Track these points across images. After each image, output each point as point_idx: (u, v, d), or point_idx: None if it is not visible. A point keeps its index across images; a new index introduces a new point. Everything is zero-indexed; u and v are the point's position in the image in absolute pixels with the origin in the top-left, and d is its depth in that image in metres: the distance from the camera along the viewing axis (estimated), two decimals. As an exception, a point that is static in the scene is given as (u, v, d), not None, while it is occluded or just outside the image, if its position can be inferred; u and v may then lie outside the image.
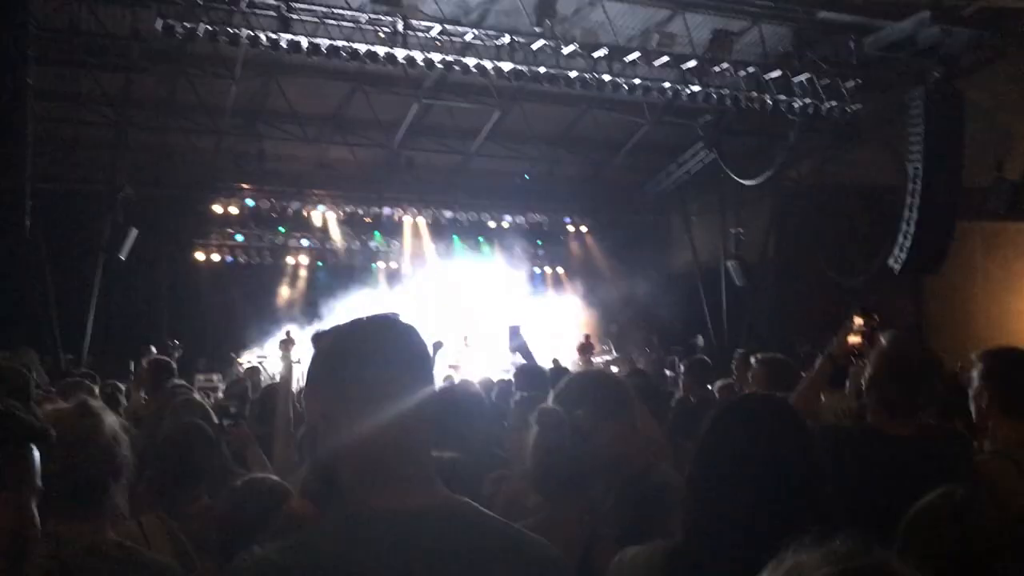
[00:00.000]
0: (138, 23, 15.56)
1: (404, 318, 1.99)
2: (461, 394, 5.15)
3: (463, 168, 23.77)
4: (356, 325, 1.97)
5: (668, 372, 19.44)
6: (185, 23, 14.66)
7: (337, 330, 1.99)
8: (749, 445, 2.23)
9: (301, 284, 23.99)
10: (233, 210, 22.73)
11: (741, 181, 22.08)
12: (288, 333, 8.15)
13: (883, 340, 3.86)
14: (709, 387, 8.04)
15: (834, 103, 18.43)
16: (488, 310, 24.26)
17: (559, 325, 24.52)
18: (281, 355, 7.48)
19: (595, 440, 3.07)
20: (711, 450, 2.34)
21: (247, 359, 19.80)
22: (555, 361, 7.77)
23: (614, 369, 17.56)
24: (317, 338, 2.02)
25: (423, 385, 1.95)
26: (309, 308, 22.91)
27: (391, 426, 1.87)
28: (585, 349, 23.07)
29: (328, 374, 1.90)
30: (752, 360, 6.24)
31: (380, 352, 1.89)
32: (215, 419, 5.52)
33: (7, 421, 1.82)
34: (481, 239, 26.08)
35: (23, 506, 1.84)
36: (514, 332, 8.06)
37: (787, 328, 20.17)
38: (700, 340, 22.84)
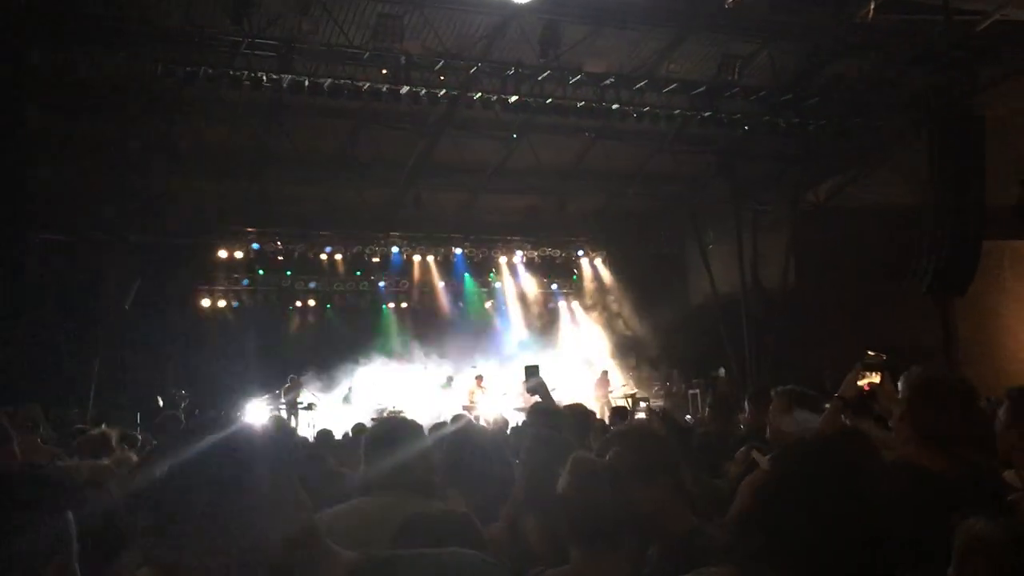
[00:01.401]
0: (139, 68, 15.72)
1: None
2: (473, 436, 5.10)
3: (472, 204, 23.86)
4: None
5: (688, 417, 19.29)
6: (186, 67, 14.86)
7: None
8: (826, 483, 2.25)
9: (310, 328, 24.03)
10: (238, 254, 22.89)
11: (757, 207, 22.06)
12: (292, 379, 8.12)
13: (913, 372, 3.81)
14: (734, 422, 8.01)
15: (850, 124, 18.46)
16: (503, 348, 24.26)
17: (575, 361, 24.47)
18: (284, 401, 7.46)
19: (635, 503, 3.03)
20: (788, 486, 2.33)
21: (255, 408, 19.82)
22: (575, 405, 7.69)
23: (640, 408, 17.48)
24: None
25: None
26: (319, 352, 22.93)
27: None
28: (604, 384, 23.03)
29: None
30: (772, 393, 6.19)
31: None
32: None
33: (46, 486, 1.81)
34: (492, 275, 26.15)
35: (71, 571, 1.85)
36: (531, 372, 7.98)
37: (811, 359, 20.02)
38: (722, 372, 22.69)
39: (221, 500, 1.65)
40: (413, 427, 3.89)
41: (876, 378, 4.46)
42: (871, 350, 4.59)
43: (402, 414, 15.32)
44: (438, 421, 7.91)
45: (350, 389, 21.48)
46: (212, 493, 1.65)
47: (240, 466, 1.71)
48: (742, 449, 4.32)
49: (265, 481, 1.72)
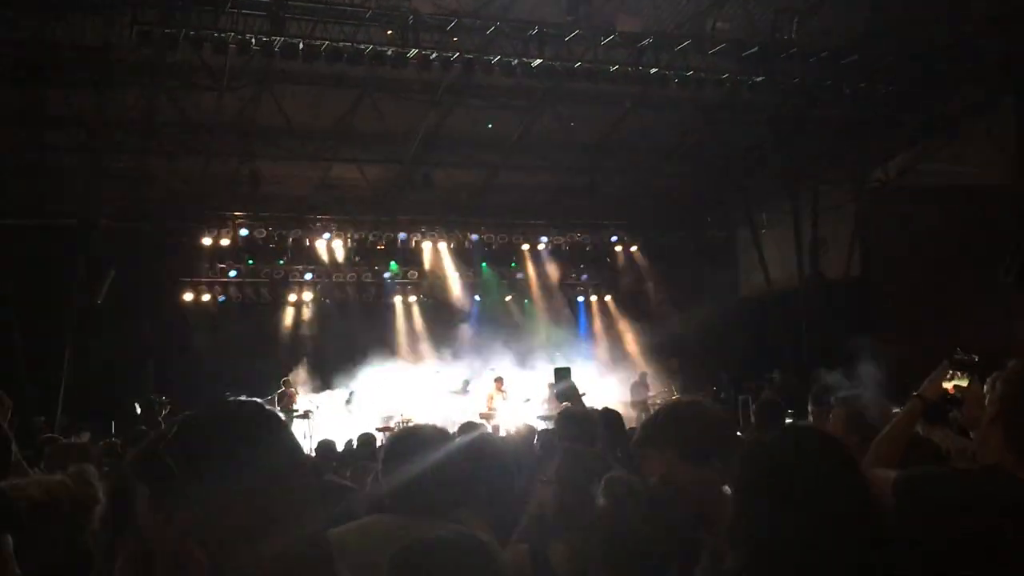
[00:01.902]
0: (111, 33, 15.83)
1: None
2: (492, 449, 5.13)
3: (490, 183, 23.89)
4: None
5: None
6: (165, 28, 14.93)
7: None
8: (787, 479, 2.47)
9: (306, 325, 24.17)
10: (224, 242, 23.05)
11: (818, 186, 21.92)
12: (285, 383, 8.20)
13: (1013, 369, 3.79)
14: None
15: (925, 90, 18.33)
16: (526, 348, 24.30)
17: (609, 363, 24.48)
18: (279, 409, 7.55)
19: (673, 485, 3.09)
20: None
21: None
22: (607, 410, 7.72)
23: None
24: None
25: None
26: (316, 353, 23.07)
27: None
28: (642, 389, 23.00)
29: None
30: (832, 399, 6.21)
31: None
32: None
33: None
34: (514, 265, 26.19)
35: None
36: (561, 375, 8.05)
37: (879, 360, 19.89)
38: (778, 376, 22.62)
39: (241, 452, 1.69)
40: (441, 436, 3.93)
41: (964, 381, 4.45)
42: (960, 349, 4.56)
43: (411, 423, 15.37)
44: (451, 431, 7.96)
45: (351, 394, 21.64)
46: (234, 442, 1.71)
47: (270, 423, 1.79)
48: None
49: (287, 455, 1.78)
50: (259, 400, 1.85)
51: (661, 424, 3.35)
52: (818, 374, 19.18)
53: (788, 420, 8.64)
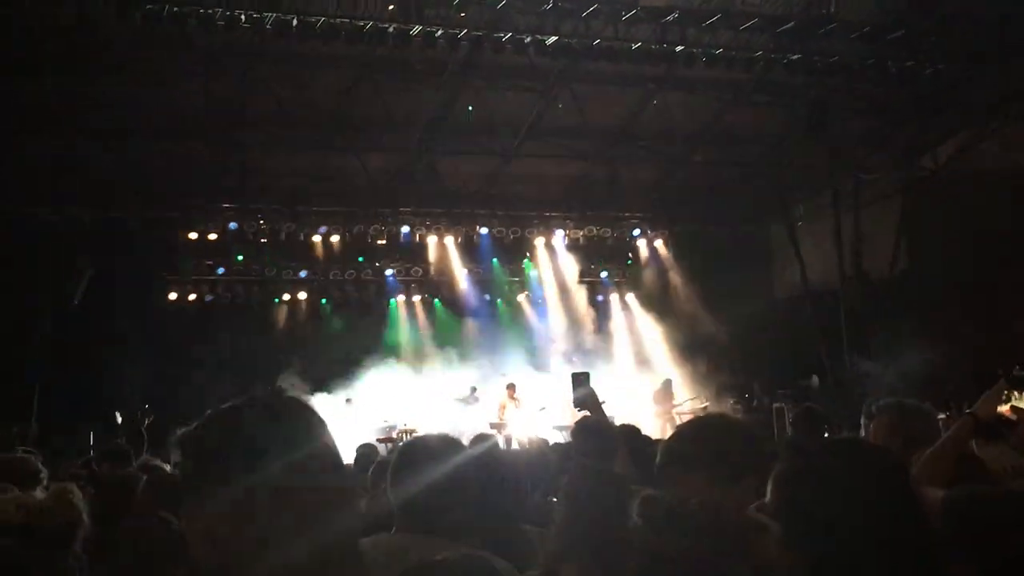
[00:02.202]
0: (86, 9, 15.85)
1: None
2: (504, 462, 5.11)
3: (500, 172, 23.86)
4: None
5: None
6: (146, 4, 14.95)
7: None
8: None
9: (300, 326, 24.19)
10: (212, 237, 23.08)
11: (860, 175, 21.85)
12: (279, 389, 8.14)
13: None
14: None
15: (978, 68, 18.22)
16: (541, 351, 24.27)
17: (631, 368, 24.43)
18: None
19: (706, 512, 3.07)
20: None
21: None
22: (625, 426, 7.70)
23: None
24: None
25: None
26: (311, 357, 23.06)
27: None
28: (666, 397, 22.93)
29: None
30: (873, 408, 6.16)
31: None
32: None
33: None
34: (527, 261, 26.18)
35: None
36: (579, 381, 7.99)
37: (927, 365, 19.81)
38: (815, 382, 22.54)
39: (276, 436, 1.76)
40: (450, 447, 3.90)
41: (1023, 402, 4.45)
42: (1021, 365, 4.57)
43: (415, 433, 15.36)
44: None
45: (348, 401, 21.68)
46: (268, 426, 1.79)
47: (309, 418, 1.86)
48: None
49: (323, 455, 1.83)
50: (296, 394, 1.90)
51: (689, 442, 3.33)
52: (859, 379, 19.13)
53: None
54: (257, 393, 1.92)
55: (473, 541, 3.67)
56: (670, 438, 3.46)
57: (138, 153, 20.52)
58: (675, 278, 26.36)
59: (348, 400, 21.56)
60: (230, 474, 1.72)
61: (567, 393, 7.75)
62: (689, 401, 22.63)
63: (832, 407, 20.70)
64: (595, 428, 6.93)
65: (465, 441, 7.81)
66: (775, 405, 22.06)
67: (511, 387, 21.33)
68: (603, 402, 8.03)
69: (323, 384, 21.77)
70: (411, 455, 3.84)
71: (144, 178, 21.17)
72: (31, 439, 16.77)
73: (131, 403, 19.50)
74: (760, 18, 17.64)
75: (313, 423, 1.86)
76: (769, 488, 2.65)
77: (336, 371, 22.04)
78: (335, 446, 1.88)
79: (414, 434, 15.02)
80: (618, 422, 8.46)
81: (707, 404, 22.09)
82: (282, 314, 24.28)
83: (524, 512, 4.45)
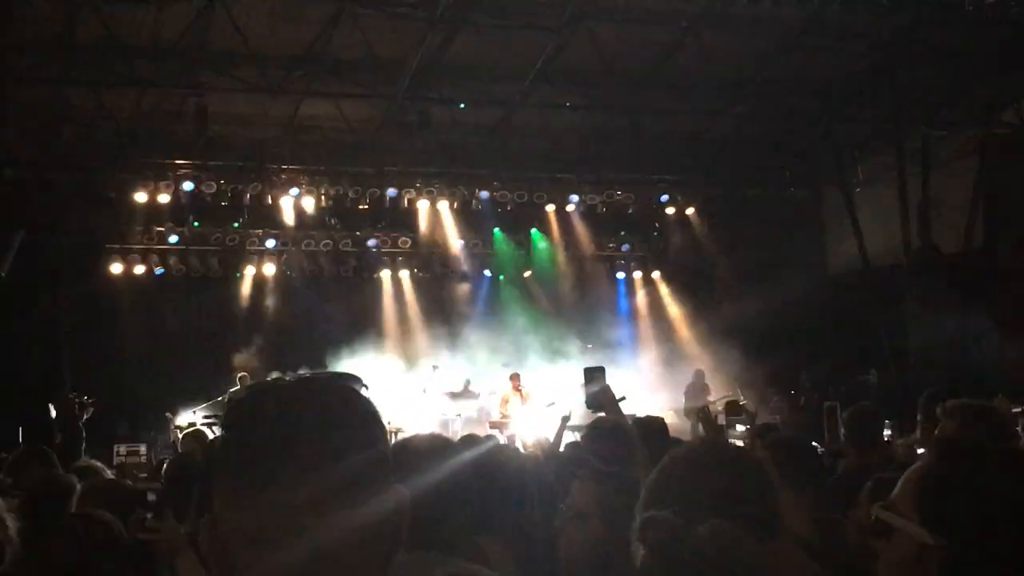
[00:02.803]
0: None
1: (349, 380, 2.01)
2: (506, 467, 5.17)
3: (504, 126, 23.86)
4: (287, 392, 1.95)
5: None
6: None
7: (265, 398, 1.98)
8: None
9: (268, 306, 24.24)
10: (164, 198, 23.10)
11: (930, 131, 21.82)
12: (242, 379, 8.28)
13: None
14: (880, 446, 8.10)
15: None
16: (550, 336, 24.31)
17: (656, 357, 24.49)
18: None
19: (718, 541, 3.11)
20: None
21: (188, 420, 20.07)
22: (648, 420, 7.76)
23: (739, 431, 17.53)
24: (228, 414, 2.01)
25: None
26: (278, 341, 23.14)
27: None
28: (699, 391, 22.95)
29: (256, 469, 1.88)
30: (938, 409, 6.24)
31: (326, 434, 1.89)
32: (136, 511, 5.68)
33: None
34: (535, 231, 26.23)
35: None
36: (593, 376, 8.08)
37: (1008, 355, 19.86)
38: (873, 376, 22.58)
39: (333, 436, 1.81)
40: (443, 447, 3.99)
41: None
42: None
43: (402, 433, 15.43)
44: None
45: (435, 368, 21.80)
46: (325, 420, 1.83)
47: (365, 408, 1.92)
48: (868, 485, 4.36)
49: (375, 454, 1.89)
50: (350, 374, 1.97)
51: (670, 478, 3.28)
52: (924, 373, 19.27)
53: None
54: (310, 375, 1.96)
55: (470, 555, 3.77)
56: (652, 477, 3.42)
57: (73, 99, 20.51)
58: (710, 251, 26.37)
59: (435, 367, 21.66)
60: (279, 475, 1.77)
61: (580, 388, 7.83)
62: (726, 397, 22.68)
63: (893, 405, 20.87)
64: (610, 430, 7.03)
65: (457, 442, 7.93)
66: (826, 404, 22.09)
67: (515, 378, 21.38)
68: (621, 399, 8.13)
69: (288, 369, 21.84)
70: (398, 460, 3.93)
71: (81, 129, 21.16)
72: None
73: (67, 392, 19.57)
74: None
75: (378, 418, 1.94)
76: (909, 491, 2.66)
77: (308, 357, 22.09)
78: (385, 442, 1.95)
79: (401, 434, 15.08)
80: (637, 419, 8.53)
81: (743, 400, 22.15)
82: (245, 290, 24.31)
83: (532, 523, 4.53)
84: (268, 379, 2.03)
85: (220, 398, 20.66)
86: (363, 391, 1.95)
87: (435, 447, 3.96)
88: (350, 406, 1.90)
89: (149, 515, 6.12)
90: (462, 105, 21.57)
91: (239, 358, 22.26)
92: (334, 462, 1.79)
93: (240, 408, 1.87)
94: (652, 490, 3.22)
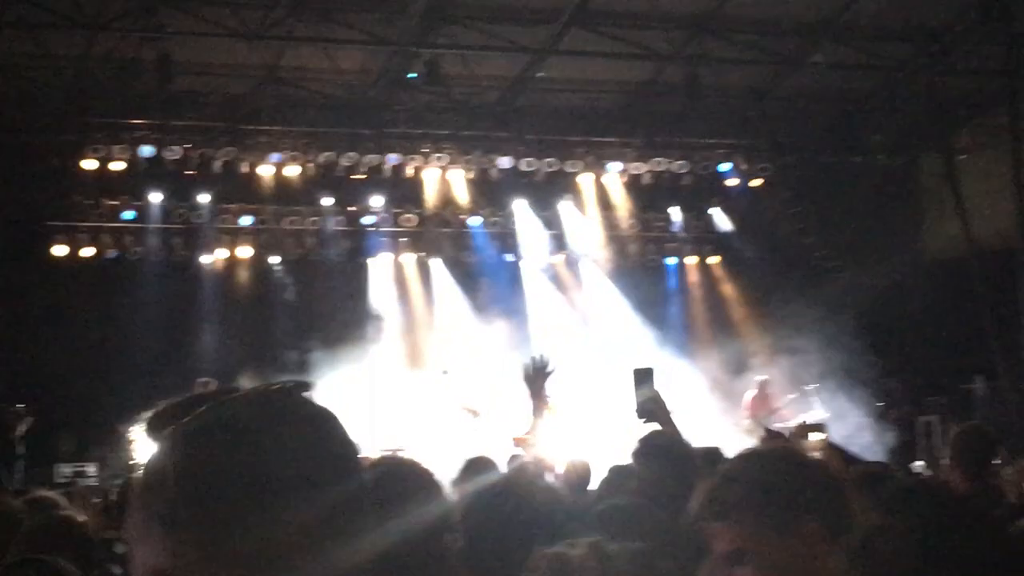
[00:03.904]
0: None
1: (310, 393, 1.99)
2: (532, 498, 5.10)
3: (528, 80, 23.80)
4: (251, 405, 1.92)
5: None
6: None
7: (222, 413, 1.94)
8: None
9: (243, 297, 24.23)
10: (117, 166, 23.06)
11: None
12: (205, 384, 8.21)
13: None
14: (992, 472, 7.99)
15: None
16: (582, 336, 24.25)
17: (714, 359, 24.40)
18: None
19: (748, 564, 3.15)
20: None
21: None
22: (711, 451, 7.73)
23: (813, 441, 17.38)
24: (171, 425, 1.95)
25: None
26: (254, 338, 23.12)
27: None
28: (763, 402, 22.83)
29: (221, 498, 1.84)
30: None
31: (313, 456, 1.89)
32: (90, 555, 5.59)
33: None
34: (567, 206, 26.12)
35: None
36: (642, 379, 8.04)
37: None
38: (979, 385, 22.47)
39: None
40: (423, 479, 3.95)
41: None
42: None
43: (401, 452, 15.37)
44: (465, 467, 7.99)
45: (444, 373, 21.83)
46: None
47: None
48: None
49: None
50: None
51: (727, 483, 3.43)
52: None
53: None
54: (260, 390, 1.96)
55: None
56: (708, 483, 3.53)
57: (7, 44, 20.51)
58: (780, 233, 26.28)
59: (445, 372, 21.68)
60: (248, 513, 1.76)
61: (624, 396, 7.78)
62: (796, 407, 22.58)
63: (1003, 421, 20.72)
64: (668, 449, 6.94)
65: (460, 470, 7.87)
66: (922, 419, 22.02)
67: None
68: (674, 411, 8.05)
69: (269, 376, 21.82)
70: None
71: (17, 81, 21.17)
72: None
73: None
74: None
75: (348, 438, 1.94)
76: None
77: (289, 358, 22.12)
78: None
79: (401, 455, 15.01)
80: (694, 440, 8.47)
81: (827, 415, 22.04)
82: (215, 277, 24.31)
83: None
84: (211, 395, 1.97)
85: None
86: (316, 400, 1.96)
87: (419, 481, 3.92)
88: (326, 427, 1.91)
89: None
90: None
91: (207, 360, 22.21)
92: (317, 495, 1.81)
93: (196, 438, 1.83)
94: (705, 495, 3.47)
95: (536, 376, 7.82)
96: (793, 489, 3.35)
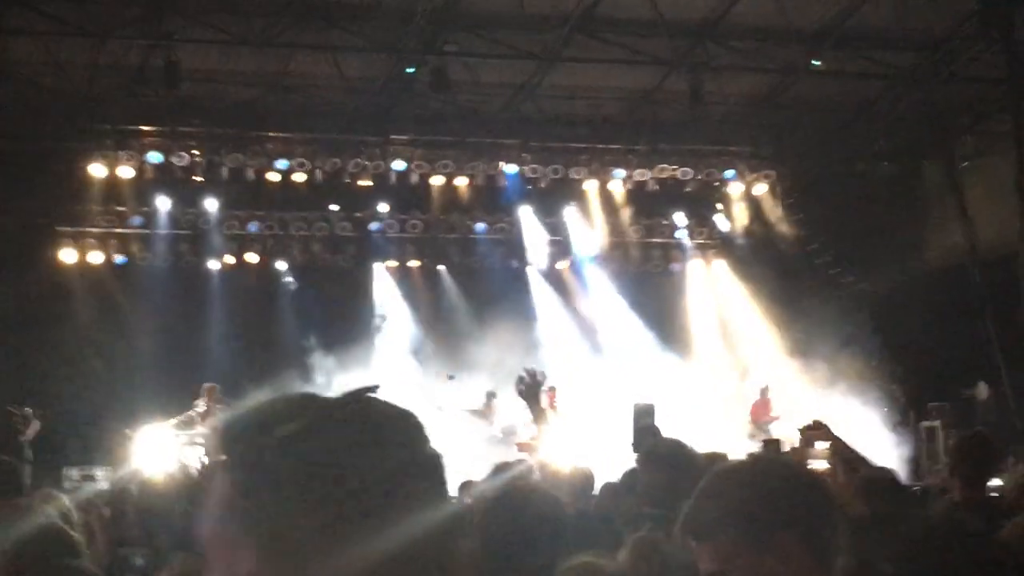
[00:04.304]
0: None
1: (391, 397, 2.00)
2: (535, 503, 5.12)
3: (534, 86, 23.82)
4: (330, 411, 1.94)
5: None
6: None
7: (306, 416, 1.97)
8: None
9: (247, 300, 24.22)
10: (125, 172, 23.12)
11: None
12: (209, 391, 8.20)
13: None
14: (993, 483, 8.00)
15: None
16: (581, 341, 24.25)
17: (716, 367, 24.40)
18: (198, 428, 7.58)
19: None
20: None
21: (153, 437, 20.05)
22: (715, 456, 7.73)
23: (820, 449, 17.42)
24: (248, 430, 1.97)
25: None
26: (260, 343, 23.14)
27: None
28: (766, 409, 22.79)
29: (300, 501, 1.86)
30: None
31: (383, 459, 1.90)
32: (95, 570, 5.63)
33: None
34: (572, 212, 26.17)
35: None
36: (643, 415, 8.12)
37: None
38: (982, 390, 22.45)
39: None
40: None
41: None
42: None
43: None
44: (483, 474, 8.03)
45: (450, 378, 21.82)
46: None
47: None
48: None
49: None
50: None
51: (704, 499, 3.36)
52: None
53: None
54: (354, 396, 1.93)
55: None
56: (694, 499, 3.50)
57: (16, 52, 20.53)
58: (783, 238, 26.28)
59: (451, 377, 21.67)
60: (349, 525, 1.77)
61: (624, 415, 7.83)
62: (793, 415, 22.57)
63: (1005, 427, 20.72)
64: (672, 457, 6.96)
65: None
66: (924, 425, 22.00)
67: (551, 391, 21.32)
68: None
69: (274, 381, 21.83)
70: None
71: (26, 88, 21.22)
72: None
73: (7, 404, 19.63)
74: None
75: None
76: None
77: (296, 362, 22.13)
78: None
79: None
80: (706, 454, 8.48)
81: (821, 422, 22.00)
82: (222, 282, 24.31)
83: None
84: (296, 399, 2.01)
85: (191, 412, 20.65)
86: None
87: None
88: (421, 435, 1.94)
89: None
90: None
91: (214, 364, 22.22)
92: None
93: (301, 445, 1.83)
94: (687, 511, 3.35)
95: (530, 390, 7.86)
96: (769, 505, 3.27)
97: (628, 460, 11.41)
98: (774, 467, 3.58)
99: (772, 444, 10.82)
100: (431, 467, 1.89)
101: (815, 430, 18.83)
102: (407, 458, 1.86)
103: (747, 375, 24.01)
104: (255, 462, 1.79)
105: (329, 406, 1.89)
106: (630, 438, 7.51)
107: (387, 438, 1.88)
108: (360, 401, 1.91)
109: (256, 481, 1.77)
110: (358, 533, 1.76)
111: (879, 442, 21.15)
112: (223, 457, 1.86)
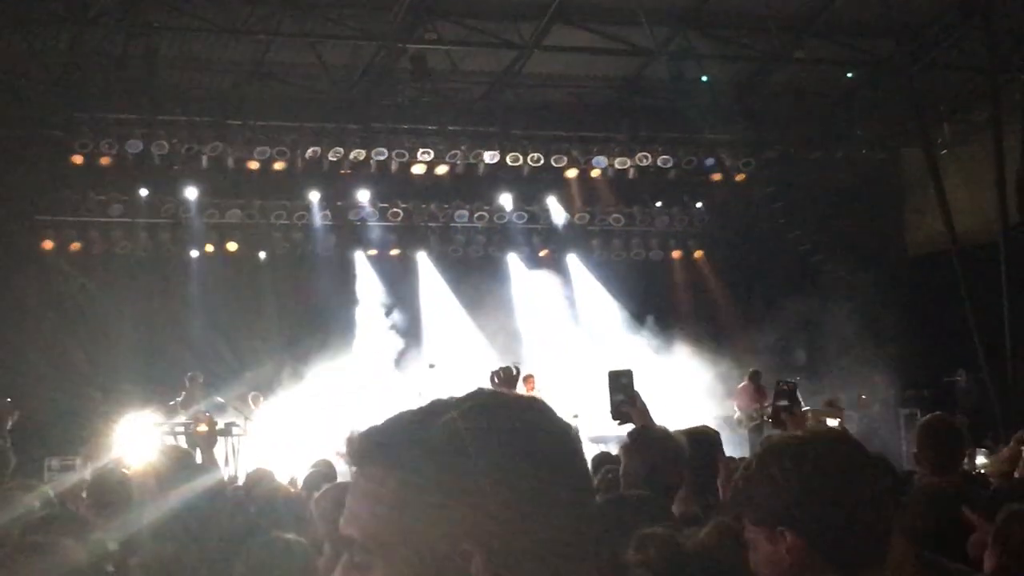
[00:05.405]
0: None
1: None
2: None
3: (514, 73, 23.78)
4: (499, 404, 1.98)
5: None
6: None
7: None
8: None
9: (227, 289, 24.15)
10: (105, 161, 22.98)
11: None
12: (191, 379, 8.19)
13: None
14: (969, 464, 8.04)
15: None
16: (563, 329, 24.24)
17: (699, 351, 24.41)
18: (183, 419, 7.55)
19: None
20: None
21: (134, 427, 19.99)
22: (700, 432, 7.66)
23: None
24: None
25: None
26: (240, 333, 23.07)
27: None
28: (752, 395, 22.77)
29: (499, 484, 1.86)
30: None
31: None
32: None
33: None
34: (552, 201, 26.19)
35: None
36: (620, 383, 8.02)
37: None
38: (962, 378, 22.49)
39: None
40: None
41: None
42: None
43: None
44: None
45: (431, 366, 21.75)
46: None
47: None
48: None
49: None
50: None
51: (747, 478, 3.38)
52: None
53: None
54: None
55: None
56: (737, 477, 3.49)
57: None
58: (764, 227, 26.28)
59: (431, 365, 21.63)
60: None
61: (605, 395, 7.76)
62: (781, 401, 22.55)
63: (985, 412, 20.78)
64: (654, 441, 6.93)
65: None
66: (903, 411, 22.04)
67: (529, 380, 21.26)
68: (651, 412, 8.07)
69: (257, 371, 21.78)
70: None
71: (3, 76, 21.13)
72: None
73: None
74: None
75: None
76: None
77: (278, 352, 22.07)
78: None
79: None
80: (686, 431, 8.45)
81: (804, 407, 22.07)
82: (201, 271, 24.25)
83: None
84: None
85: (172, 402, 20.58)
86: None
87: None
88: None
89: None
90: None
91: (195, 353, 22.15)
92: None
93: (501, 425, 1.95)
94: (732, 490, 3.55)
95: (504, 384, 7.81)
96: (772, 497, 3.27)
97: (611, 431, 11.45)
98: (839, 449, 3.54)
99: (775, 415, 10.65)
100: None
101: (831, 407, 19.00)
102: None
103: (729, 362, 23.99)
104: (423, 461, 1.87)
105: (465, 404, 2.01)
106: (610, 407, 7.39)
107: (549, 429, 1.94)
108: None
109: (432, 479, 1.84)
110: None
111: (859, 429, 21.20)
112: (371, 463, 1.91)
